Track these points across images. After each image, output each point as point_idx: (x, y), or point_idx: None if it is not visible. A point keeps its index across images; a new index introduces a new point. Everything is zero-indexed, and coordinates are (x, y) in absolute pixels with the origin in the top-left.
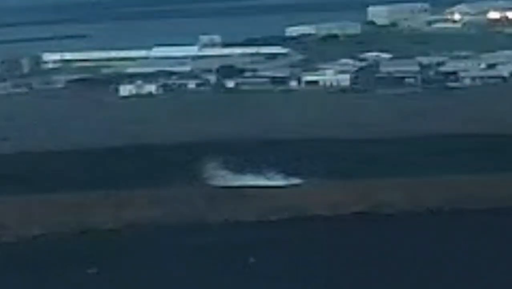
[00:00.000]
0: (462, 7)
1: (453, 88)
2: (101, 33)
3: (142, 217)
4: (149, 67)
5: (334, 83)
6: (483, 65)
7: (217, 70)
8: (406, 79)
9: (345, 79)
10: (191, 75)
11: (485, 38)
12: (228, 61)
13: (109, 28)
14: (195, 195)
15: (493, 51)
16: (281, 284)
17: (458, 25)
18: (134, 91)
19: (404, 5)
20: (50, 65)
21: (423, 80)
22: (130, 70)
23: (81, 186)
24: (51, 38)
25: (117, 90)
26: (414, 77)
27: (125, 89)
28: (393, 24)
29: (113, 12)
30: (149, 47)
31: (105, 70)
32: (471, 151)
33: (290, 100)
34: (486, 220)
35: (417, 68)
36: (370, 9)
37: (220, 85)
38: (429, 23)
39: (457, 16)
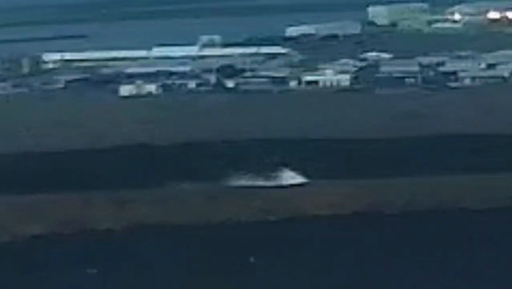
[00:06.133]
0: (462, 7)
1: (453, 88)
2: (101, 33)
3: (142, 217)
4: (149, 67)
5: (334, 83)
6: (483, 65)
7: (217, 70)
8: (406, 79)
9: (345, 79)
10: (191, 75)
11: (485, 38)
12: (228, 61)
13: (109, 28)
14: (195, 194)
15: (493, 51)
16: (281, 284)
17: (458, 25)
18: (134, 91)
19: (404, 5)
20: (50, 65)
21: (423, 80)
22: (130, 70)
23: (81, 185)
24: (51, 38)
25: (117, 90)
26: (414, 77)
27: (125, 89)
28: (393, 24)
29: (113, 12)
30: (149, 47)
31: (105, 70)
32: (471, 150)
33: (290, 100)
34: (486, 220)
35: (417, 68)
36: (370, 9)
37: (220, 85)
38: (429, 23)
39: (457, 16)
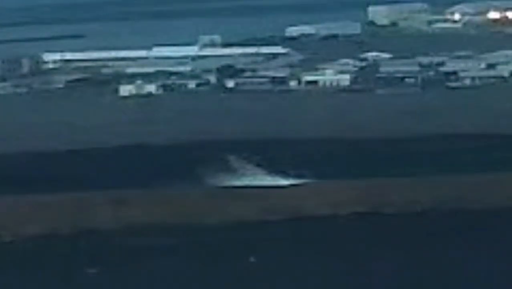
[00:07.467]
0: (462, 7)
1: (453, 88)
2: (101, 33)
3: (142, 217)
4: (149, 67)
5: (334, 83)
6: (483, 65)
7: (217, 70)
8: (406, 79)
9: (345, 79)
10: (191, 75)
11: (485, 38)
12: (228, 61)
13: (109, 28)
14: (195, 194)
15: (493, 51)
16: (282, 284)
17: (458, 25)
18: (134, 91)
19: (404, 5)
20: (50, 65)
21: (423, 80)
22: (130, 70)
23: (80, 186)
24: (51, 38)
25: (117, 90)
26: (414, 77)
27: (125, 89)
28: (393, 24)
29: (113, 12)
30: (149, 47)
31: (105, 70)
32: (471, 150)
33: (290, 100)
34: (486, 220)
35: (417, 68)
36: (370, 9)
37: (220, 85)
38: (429, 23)
39: (457, 16)
